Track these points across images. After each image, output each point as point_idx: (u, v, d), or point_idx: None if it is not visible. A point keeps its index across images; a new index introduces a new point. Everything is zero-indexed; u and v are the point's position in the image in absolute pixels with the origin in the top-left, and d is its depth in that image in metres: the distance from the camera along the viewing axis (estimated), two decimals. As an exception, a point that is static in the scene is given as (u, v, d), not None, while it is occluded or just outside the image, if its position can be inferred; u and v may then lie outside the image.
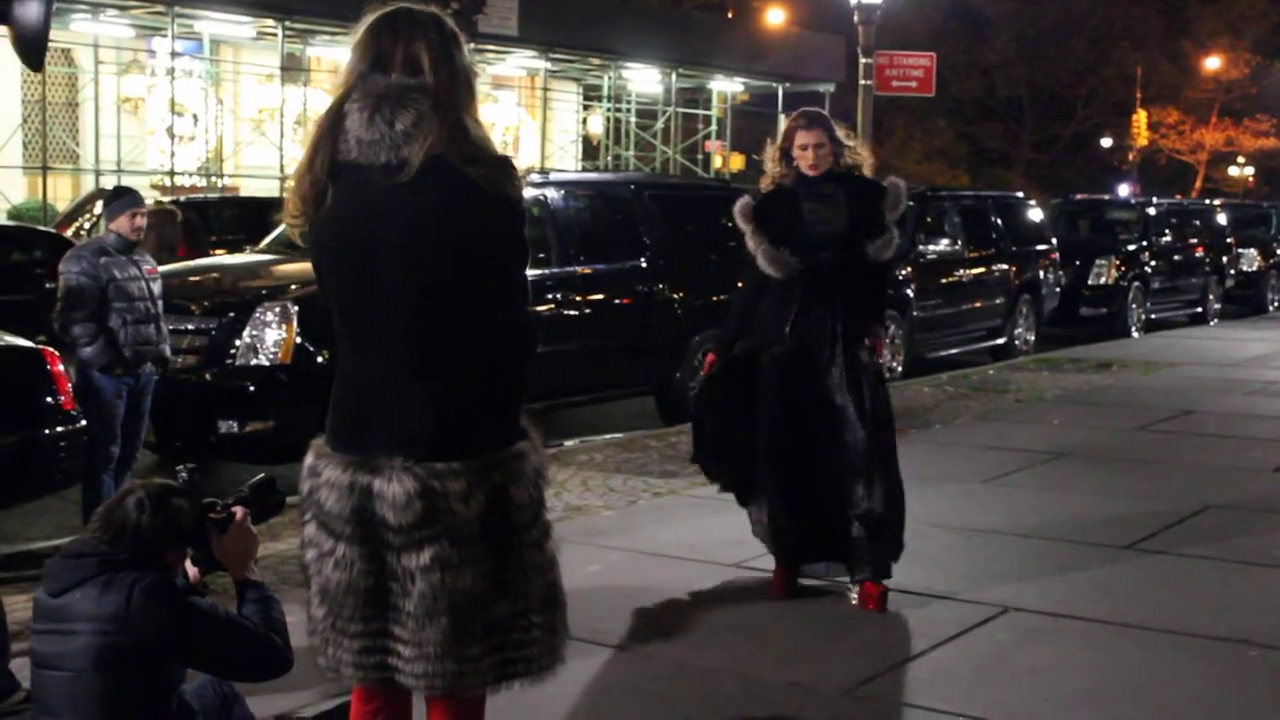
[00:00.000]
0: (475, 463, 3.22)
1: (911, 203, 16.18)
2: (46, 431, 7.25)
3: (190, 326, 9.14)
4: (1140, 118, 55.71)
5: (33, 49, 6.12)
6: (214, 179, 28.54)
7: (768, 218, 6.50)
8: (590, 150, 39.10)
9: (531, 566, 3.32)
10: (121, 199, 7.71)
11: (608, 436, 11.11)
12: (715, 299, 12.35)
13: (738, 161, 40.58)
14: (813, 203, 6.41)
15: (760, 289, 6.60)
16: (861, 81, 12.79)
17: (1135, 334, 20.52)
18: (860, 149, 6.59)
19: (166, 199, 20.30)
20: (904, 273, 15.26)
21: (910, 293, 15.30)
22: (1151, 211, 23.16)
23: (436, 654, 3.23)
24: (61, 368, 7.51)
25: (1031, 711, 5.17)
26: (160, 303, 7.66)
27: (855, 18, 12.81)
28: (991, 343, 17.22)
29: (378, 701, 3.41)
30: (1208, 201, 29.98)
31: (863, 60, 12.80)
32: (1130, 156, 57.41)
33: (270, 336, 9.05)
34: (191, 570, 3.89)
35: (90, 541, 3.76)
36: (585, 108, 39.23)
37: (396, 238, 3.20)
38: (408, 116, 3.19)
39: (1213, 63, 57.17)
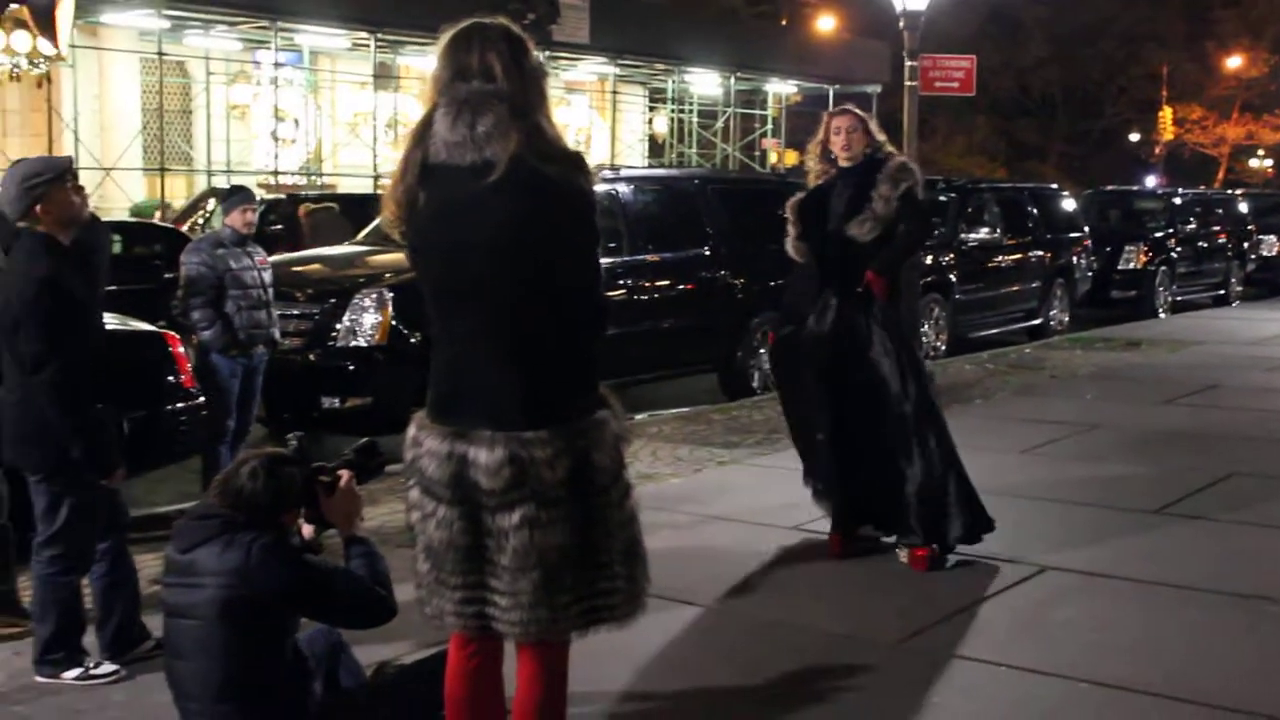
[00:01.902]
0: (560, 431, 3.26)
1: (954, 194, 16.19)
2: (169, 407, 7.35)
3: (296, 312, 9.22)
4: (1166, 114, 55.06)
5: (48, 27, 6.21)
6: (314, 178, 28.74)
7: (804, 211, 6.58)
8: (656, 148, 39.01)
9: (614, 523, 3.36)
10: (235, 196, 7.80)
11: (674, 411, 11.12)
12: (772, 284, 12.33)
13: (792, 158, 40.33)
14: (839, 193, 6.44)
15: (806, 274, 6.65)
16: (907, 83, 12.66)
17: (1162, 315, 20.27)
18: (888, 147, 6.57)
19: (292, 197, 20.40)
20: (947, 259, 15.17)
21: (953, 277, 15.21)
22: (1177, 201, 22.88)
23: (530, 603, 3.27)
24: (182, 349, 7.62)
25: (1069, 662, 5.14)
26: (270, 290, 7.73)
27: (900, 24, 12.68)
28: (1028, 324, 17.07)
29: (474, 646, 3.46)
30: (1230, 192, 29.53)
31: (908, 63, 12.66)
32: (1156, 150, 56.72)
33: (368, 320, 9.12)
34: (306, 529, 3.95)
35: (213, 505, 3.83)
36: (651, 109, 39.12)
37: (483, 230, 3.23)
38: (488, 120, 3.23)
39: (1234, 61, 56.32)
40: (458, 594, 3.34)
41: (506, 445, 3.22)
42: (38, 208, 4.85)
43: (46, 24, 5.87)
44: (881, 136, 6.54)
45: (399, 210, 3.34)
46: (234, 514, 3.76)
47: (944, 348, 14.87)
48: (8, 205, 4.98)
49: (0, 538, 5.68)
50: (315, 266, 10.65)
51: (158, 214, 21.76)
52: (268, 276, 7.70)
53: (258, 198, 8.05)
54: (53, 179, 4.89)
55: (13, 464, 5.13)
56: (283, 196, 20.33)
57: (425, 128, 3.29)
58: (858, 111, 6.54)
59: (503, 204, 3.20)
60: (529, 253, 3.23)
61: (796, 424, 6.88)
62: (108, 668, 4.99)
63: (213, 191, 22.89)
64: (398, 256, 10.82)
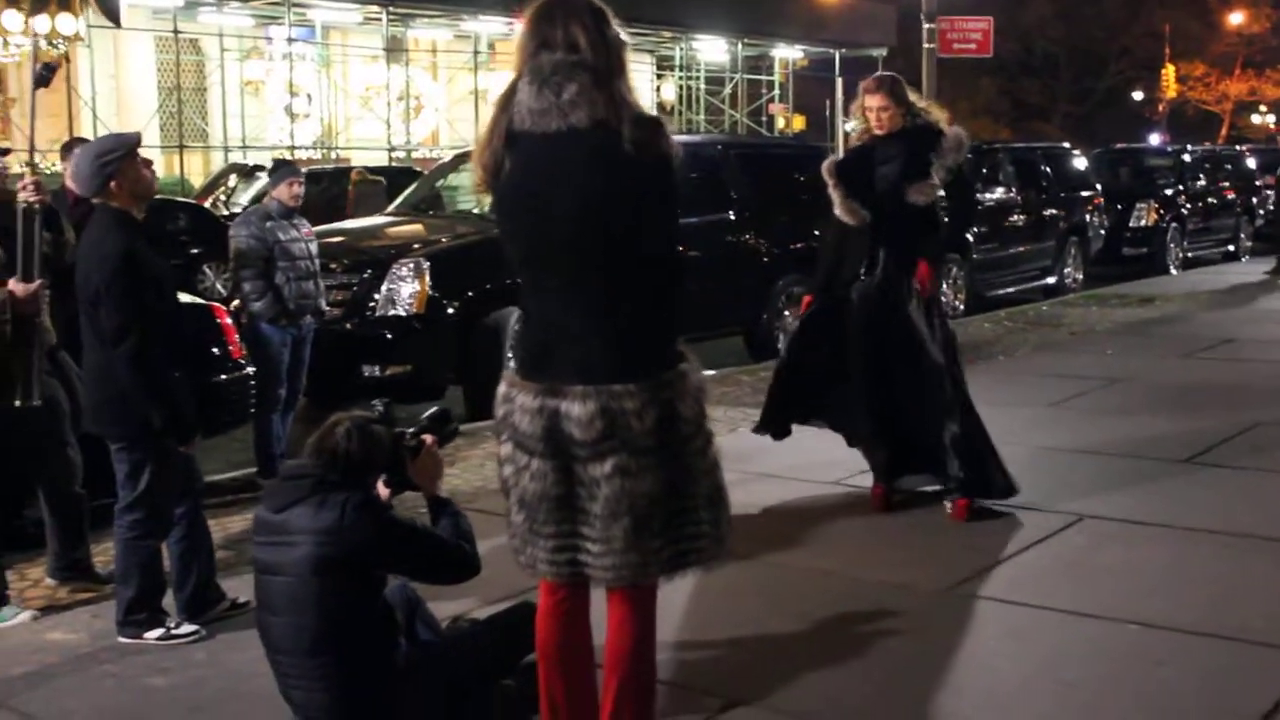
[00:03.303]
0: (646, 384, 3.39)
1: (970, 156, 16.21)
2: (218, 378, 7.47)
3: (334, 282, 9.31)
4: (1169, 71, 54.89)
5: (109, 6, 6.33)
6: (328, 151, 28.83)
7: (846, 172, 6.68)
8: (664, 115, 39.00)
9: (698, 470, 3.50)
10: (281, 170, 7.88)
11: (704, 373, 11.20)
12: (794, 246, 12.46)
13: (799, 122, 40.39)
14: (883, 157, 6.56)
15: (842, 236, 6.74)
16: (925, 45, 12.71)
17: (1173, 271, 20.36)
18: (933, 108, 6.69)
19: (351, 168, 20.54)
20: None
21: (969, 237, 15.30)
22: (1186, 158, 22.91)
23: (621, 549, 3.40)
24: (229, 320, 7.74)
25: (1110, 604, 5.29)
26: (317, 261, 7.83)
27: (919, -13, 12.71)
28: (1043, 281, 17.18)
29: (564, 593, 3.59)
30: (1237, 148, 29.52)
31: (925, 25, 12.73)
32: (1160, 108, 56.57)
33: (406, 290, 9.22)
34: (383, 491, 4.06)
35: (305, 466, 3.92)
36: (659, 76, 39.11)
37: (568, 194, 3.35)
38: (572, 88, 3.35)
39: (1236, 18, 56.07)
40: (551, 543, 3.48)
41: (598, 398, 3.35)
42: (112, 184, 4.98)
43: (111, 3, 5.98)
44: (920, 102, 6.64)
45: (485, 175, 3.46)
46: (326, 474, 3.86)
47: (962, 307, 14.97)
48: (82, 182, 5.12)
49: (75, 505, 5.85)
50: (352, 237, 10.74)
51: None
52: (314, 248, 7.78)
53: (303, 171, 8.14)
54: (124, 155, 5.02)
55: (94, 432, 5.29)
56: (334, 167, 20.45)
57: (510, 96, 3.41)
58: (893, 85, 6.58)
59: (587, 168, 3.33)
60: (612, 214, 3.35)
61: (792, 386, 6.92)
62: (188, 628, 5.15)
63: (233, 167, 23.03)
64: (433, 225, 10.96)
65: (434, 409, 4.29)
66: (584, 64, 3.36)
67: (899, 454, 6.67)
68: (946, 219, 6.85)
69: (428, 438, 4.09)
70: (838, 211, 6.67)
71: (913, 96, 6.65)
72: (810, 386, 6.85)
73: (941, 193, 6.60)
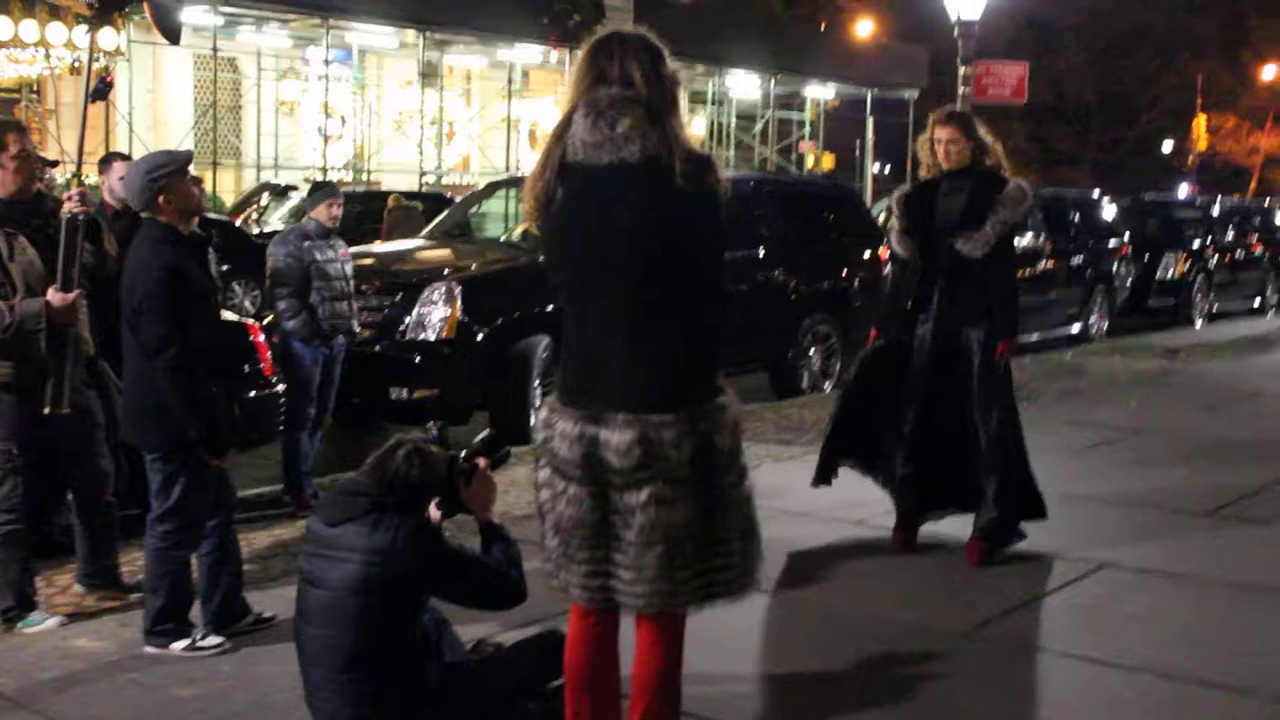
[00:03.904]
0: (685, 414, 3.45)
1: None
2: (249, 394, 7.55)
3: (366, 304, 9.37)
4: (1200, 122, 54.91)
5: (169, 25, 6.41)
6: (360, 174, 29.04)
7: (909, 206, 6.66)
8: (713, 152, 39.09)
9: (732, 502, 3.55)
10: (321, 190, 7.94)
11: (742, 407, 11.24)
12: (823, 285, 12.52)
13: (829, 161, 40.52)
14: (946, 195, 6.52)
15: (902, 269, 6.74)
16: (961, 89, 12.77)
17: (1199, 324, 20.34)
18: (998, 151, 6.55)
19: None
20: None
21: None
22: (1215, 211, 22.89)
23: (653, 577, 3.46)
24: (262, 338, 7.82)
25: (1130, 652, 5.30)
26: (351, 282, 7.90)
27: (955, 31, 12.80)
28: (1067, 330, 17.18)
29: (594, 618, 3.64)
30: (1266, 202, 29.46)
31: (961, 69, 12.78)
32: (1190, 159, 56.54)
33: (436, 314, 9.27)
34: (435, 514, 4.10)
35: (363, 484, 3.98)
36: (690, 111, 39.15)
37: (619, 226, 3.43)
38: (626, 122, 3.44)
39: (1269, 72, 56.10)
40: (584, 568, 3.53)
41: (637, 427, 3.41)
42: (160, 199, 5.07)
43: (168, 17, 6.06)
44: (992, 143, 6.51)
45: (537, 205, 3.54)
46: (382, 495, 3.91)
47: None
48: (131, 195, 5.21)
49: (105, 514, 5.92)
50: (383, 260, 10.82)
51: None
52: (349, 269, 7.86)
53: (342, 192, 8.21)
54: (174, 171, 5.12)
55: (131, 442, 5.36)
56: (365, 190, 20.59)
57: (564, 128, 3.50)
58: (964, 121, 6.54)
59: (637, 201, 3.41)
60: (660, 247, 3.43)
61: (845, 427, 6.85)
62: (214, 640, 5.20)
63: (266, 186, 23.22)
64: (464, 251, 11.04)
65: (486, 432, 4.33)
66: (638, 99, 3.45)
67: (927, 497, 6.68)
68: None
69: (481, 461, 4.12)
70: (894, 244, 6.69)
71: (982, 131, 6.55)
72: (860, 425, 6.78)
73: (989, 248, 6.39)
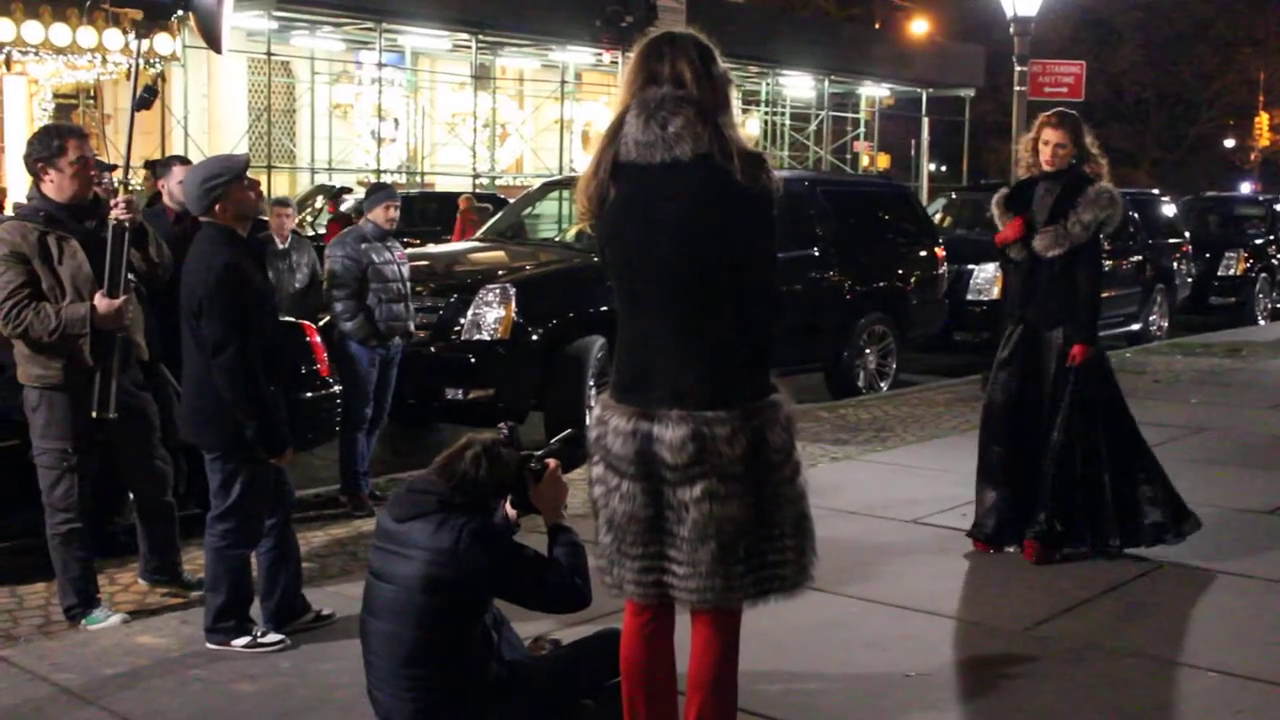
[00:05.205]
0: (738, 411, 3.48)
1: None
2: (306, 395, 7.63)
3: (421, 305, 9.43)
4: (1262, 119, 54.38)
5: (211, 32, 6.47)
6: (413, 176, 29.24)
7: (1011, 206, 6.69)
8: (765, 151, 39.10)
9: (785, 498, 3.58)
10: (378, 193, 8.00)
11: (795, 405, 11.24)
12: (878, 285, 12.51)
13: (884, 161, 40.40)
14: (1041, 196, 6.55)
15: (1016, 270, 6.77)
16: (1016, 88, 12.69)
17: (1261, 322, 20.15)
18: (1101, 160, 6.57)
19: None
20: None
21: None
22: (1278, 208, 22.67)
23: (707, 572, 3.49)
24: (319, 339, 7.90)
25: (1189, 649, 5.31)
26: (408, 284, 7.96)
27: (1011, 29, 12.69)
28: (1128, 328, 17.06)
29: (649, 614, 3.67)
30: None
31: (1018, 68, 12.69)
32: (1252, 156, 55.94)
33: (491, 315, 9.32)
34: (511, 512, 4.11)
35: (433, 482, 4.00)
36: (744, 111, 39.30)
37: (672, 225, 3.47)
38: (678, 121, 3.47)
39: (1333, 67, 55.50)
40: (638, 564, 3.56)
41: (690, 423, 3.45)
42: (217, 206, 5.16)
43: (211, 24, 6.09)
44: (1094, 148, 6.52)
45: (590, 204, 3.59)
46: (451, 494, 3.95)
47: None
48: (190, 202, 5.30)
49: (165, 513, 6.02)
50: (439, 262, 10.90)
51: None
52: (406, 270, 7.91)
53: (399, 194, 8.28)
54: (229, 180, 5.19)
55: (190, 441, 5.45)
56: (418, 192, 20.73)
57: (617, 129, 3.54)
58: (1075, 125, 6.51)
59: (689, 199, 3.45)
60: (712, 245, 3.47)
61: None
62: (274, 637, 5.28)
63: (320, 189, 23.43)
64: (518, 252, 11.12)
65: (567, 431, 4.34)
66: (689, 99, 3.48)
67: (1010, 520, 6.63)
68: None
69: (551, 462, 4.12)
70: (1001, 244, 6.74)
71: (1088, 139, 6.55)
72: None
73: (1062, 247, 6.43)
